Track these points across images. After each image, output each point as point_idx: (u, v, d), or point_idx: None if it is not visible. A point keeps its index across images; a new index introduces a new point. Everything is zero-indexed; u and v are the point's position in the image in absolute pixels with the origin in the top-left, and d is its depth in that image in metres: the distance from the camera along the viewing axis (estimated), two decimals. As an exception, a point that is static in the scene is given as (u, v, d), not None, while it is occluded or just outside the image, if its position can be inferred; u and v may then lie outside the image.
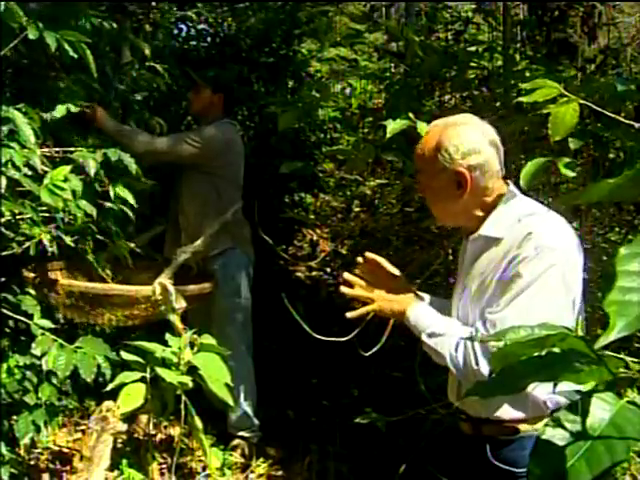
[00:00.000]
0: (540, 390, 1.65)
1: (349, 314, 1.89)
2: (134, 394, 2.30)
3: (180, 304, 2.96)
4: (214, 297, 3.36)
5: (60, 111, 2.61)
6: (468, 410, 1.83)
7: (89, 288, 2.86)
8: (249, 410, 3.49)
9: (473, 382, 1.68)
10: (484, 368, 1.63)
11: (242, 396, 3.45)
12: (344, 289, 1.91)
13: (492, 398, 1.67)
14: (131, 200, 2.62)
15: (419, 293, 1.97)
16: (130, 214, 2.65)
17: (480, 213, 1.77)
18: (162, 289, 2.92)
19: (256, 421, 3.52)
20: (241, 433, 3.50)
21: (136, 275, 3.16)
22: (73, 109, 2.65)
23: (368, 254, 1.95)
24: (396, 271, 1.93)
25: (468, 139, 1.73)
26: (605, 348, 0.81)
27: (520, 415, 1.71)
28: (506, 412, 1.72)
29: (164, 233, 3.68)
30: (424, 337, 1.77)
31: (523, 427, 1.71)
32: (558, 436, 0.79)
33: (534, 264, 1.61)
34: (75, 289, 2.82)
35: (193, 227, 3.51)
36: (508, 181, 1.81)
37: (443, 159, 1.73)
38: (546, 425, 0.80)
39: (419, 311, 1.82)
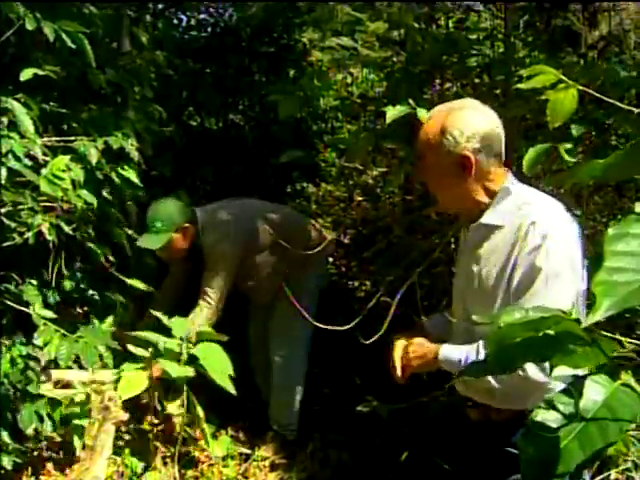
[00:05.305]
0: (546, 381, 1.64)
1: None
2: (134, 382, 2.31)
3: None
4: (280, 295, 3.18)
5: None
6: (474, 397, 1.83)
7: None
8: (294, 408, 3.45)
9: (520, 389, 1.68)
10: (531, 371, 1.61)
11: (291, 394, 3.43)
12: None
13: (497, 390, 1.69)
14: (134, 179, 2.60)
15: (423, 319, 2.06)
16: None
17: (484, 199, 1.79)
18: None
19: (296, 420, 3.47)
20: (278, 428, 3.45)
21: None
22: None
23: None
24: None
25: (472, 122, 1.76)
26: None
27: (525, 406, 1.68)
28: (511, 404, 1.72)
29: None
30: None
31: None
32: (551, 418, 0.79)
33: (549, 254, 1.62)
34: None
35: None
36: (507, 169, 1.82)
37: (448, 143, 1.75)
38: (539, 407, 0.80)
39: (445, 353, 1.82)
